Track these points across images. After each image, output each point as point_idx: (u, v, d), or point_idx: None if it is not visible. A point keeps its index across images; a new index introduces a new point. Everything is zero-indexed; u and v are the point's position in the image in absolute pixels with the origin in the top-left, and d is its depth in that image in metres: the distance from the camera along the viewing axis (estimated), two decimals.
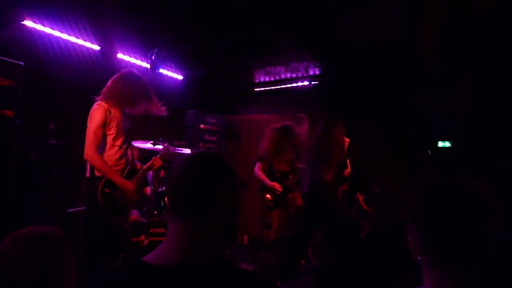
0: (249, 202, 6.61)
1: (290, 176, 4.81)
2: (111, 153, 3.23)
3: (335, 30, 4.56)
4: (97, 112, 3.14)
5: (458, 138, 5.41)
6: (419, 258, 1.14)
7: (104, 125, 3.16)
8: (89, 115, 3.17)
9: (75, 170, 5.53)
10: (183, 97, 6.58)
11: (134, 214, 4.65)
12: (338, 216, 4.07)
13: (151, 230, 4.03)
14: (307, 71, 6.11)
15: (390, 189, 5.52)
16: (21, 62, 3.85)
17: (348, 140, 4.36)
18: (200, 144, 6.46)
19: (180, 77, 6.58)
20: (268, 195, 4.79)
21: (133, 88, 3.26)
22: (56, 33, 4.70)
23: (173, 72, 6.44)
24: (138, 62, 5.78)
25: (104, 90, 3.26)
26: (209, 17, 4.50)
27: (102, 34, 4.99)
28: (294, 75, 6.53)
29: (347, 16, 4.25)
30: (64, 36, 4.78)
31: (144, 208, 4.72)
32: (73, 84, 5.30)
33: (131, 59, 5.69)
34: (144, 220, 4.20)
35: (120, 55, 5.47)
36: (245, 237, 6.84)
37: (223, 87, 7.17)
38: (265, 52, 5.52)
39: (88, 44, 5.05)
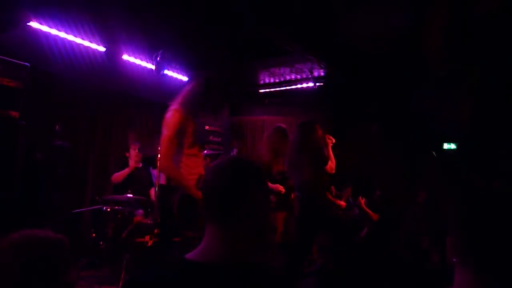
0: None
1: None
2: (187, 162, 2.99)
3: (340, 31, 4.55)
4: (173, 119, 2.92)
5: (463, 139, 5.38)
6: (454, 260, 1.11)
7: (181, 133, 2.94)
8: (165, 122, 2.96)
9: (80, 171, 5.57)
10: None
11: (139, 215, 4.67)
12: (330, 212, 4.09)
13: (155, 231, 4.04)
14: (311, 73, 6.10)
15: (393, 191, 5.50)
16: (27, 63, 3.86)
17: (331, 138, 4.31)
18: (205, 146, 6.45)
19: (185, 78, 6.59)
20: (272, 198, 4.77)
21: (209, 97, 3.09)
22: (62, 34, 4.72)
23: (178, 73, 6.45)
24: (144, 63, 5.80)
25: (180, 98, 3.08)
26: (214, 18, 4.50)
27: (107, 35, 5.00)
28: (298, 76, 6.52)
29: (351, 17, 4.24)
30: (70, 37, 4.80)
31: (149, 209, 4.74)
32: (78, 85, 5.33)
33: (136, 61, 5.70)
34: (149, 221, 4.22)
35: (125, 57, 5.49)
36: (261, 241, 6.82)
37: (228, 88, 7.18)
38: (270, 54, 5.52)
39: (93, 46, 5.06)
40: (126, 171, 4.97)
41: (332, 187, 5.27)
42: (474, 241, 1.07)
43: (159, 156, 3.28)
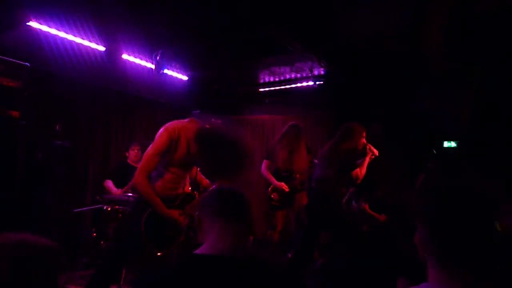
0: (254, 202, 6.59)
1: (298, 176, 4.78)
2: (167, 177, 2.92)
3: (340, 30, 4.55)
4: (160, 138, 2.82)
5: (464, 138, 5.38)
6: (425, 256, 1.12)
7: (164, 153, 2.83)
8: (155, 138, 2.87)
9: (81, 171, 5.57)
10: (188, 97, 6.59)
11: None
12: (340, 211, 4.08)
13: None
14: (311, 71, 6.10)
15: (394, 191, 5.49)
16: (27, 63, 3.87)
17: (374, 151, 4.25)
18: None
19: (185, 78, 6.59)
20: (274, 195, 4.76)
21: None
22: (62, 34, 4.72)
23: (178, 72, 6.45)
24: (143, 62, 5.80)
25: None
26: (214, 17, 4.50)
27: (107, 35, 5.00)
28: (298, 75, 6.51)
29: (351, 15, 4.23)
30: (70, 37, 4.80)
31: None
32: (78, 85, 5.32)
33: (136, 60, 5.70)
34: None
35: (125, 56, 5.49)
36: (251, 238, 6.81)
37: (228, 88, 7.17)
38: (270, 52, 5.51)
39: (93, 45, 5.07)
40: (123, 189, 4.90)
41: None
42: (439, 234, 1.08)
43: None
